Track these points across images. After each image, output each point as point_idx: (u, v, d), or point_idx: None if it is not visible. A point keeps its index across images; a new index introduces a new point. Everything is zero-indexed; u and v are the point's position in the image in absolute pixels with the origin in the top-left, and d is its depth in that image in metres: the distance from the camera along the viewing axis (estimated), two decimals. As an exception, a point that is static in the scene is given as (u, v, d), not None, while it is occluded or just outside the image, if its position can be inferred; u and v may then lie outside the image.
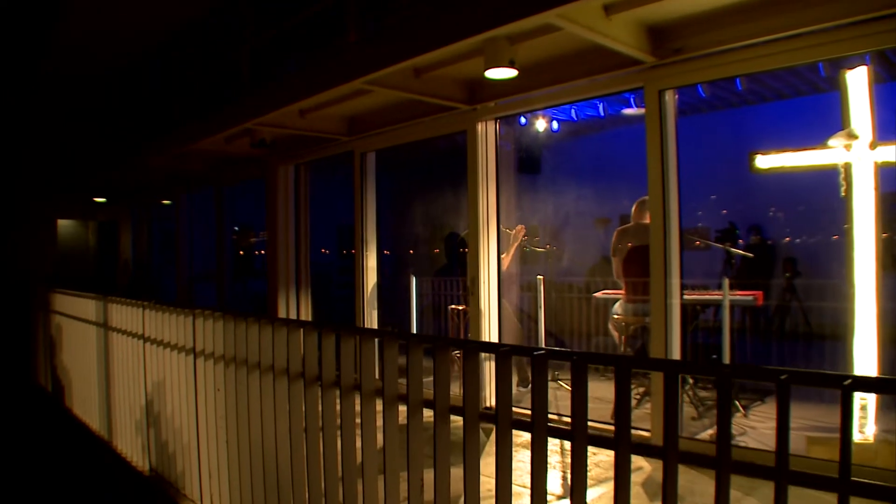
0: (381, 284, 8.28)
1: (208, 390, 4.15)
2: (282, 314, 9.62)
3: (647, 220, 5.81)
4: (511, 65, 4.99)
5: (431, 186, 13.57)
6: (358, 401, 2.90)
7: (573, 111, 9.04)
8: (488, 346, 2.46)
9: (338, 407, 2.94)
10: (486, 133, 6.54)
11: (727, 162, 10.72)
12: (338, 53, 5.88)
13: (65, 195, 14.55)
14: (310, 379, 3.10)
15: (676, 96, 5.20)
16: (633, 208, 6.67)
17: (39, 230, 14.40)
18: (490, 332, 6.55)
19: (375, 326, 8.17)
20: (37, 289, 9.44)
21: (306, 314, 9.74)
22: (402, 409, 2.70)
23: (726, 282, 5.34)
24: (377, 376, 2.82)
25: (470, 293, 6.59)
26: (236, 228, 17.40)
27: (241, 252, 17.68)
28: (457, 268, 9.17)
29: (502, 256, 7.21)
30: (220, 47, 8.55)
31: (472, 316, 6.58)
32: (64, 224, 17.11)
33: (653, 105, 5.07)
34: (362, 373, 2.79)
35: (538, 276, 6.41)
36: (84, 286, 14.93)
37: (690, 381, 6.48)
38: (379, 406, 2.79)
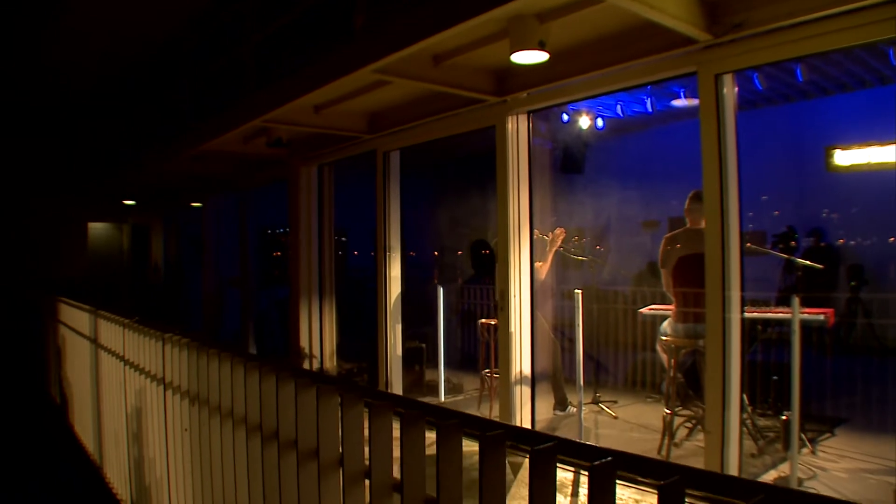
0: (405, 294, 7.63)
1: (177, 428, 3.53)
2: (304, 324, 9.05)
3: (702, 223, 5.07)
4: (541, 47, 4.28)
5: (473, 188, 12.89)
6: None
7: (618, 107, 8.32)
8: (474, 422, 1.77)
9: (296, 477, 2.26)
10: (518, 128, 5.82)
11: (782, 160, 9.87)
12: (345, 41, 5.23)
13: (85, 198, 14.23)
14: (267, 434, 2.43)
15: (736, 89, 4.43)
16: (687, 203, 5.87)
17: (57, 234, 14.09)
18: (521, 352, 5.83)
19: (399, 342, 7.53)
20: (44, 296, 9.01)
21: (331, 324, 9.14)
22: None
23: (796, 300, 4.54)
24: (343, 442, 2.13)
25: (499, 308, 5.89)
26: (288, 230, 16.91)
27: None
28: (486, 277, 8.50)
29: (538, 265, 6.49)
30: (227, 43, 8.01)
31: (502, 334, 5.87)
32: (98, 227, 16.89)
33: (708, 92, 4.30)
34: (320, 435, 2.11)
35: (576, 291, 5.68)
36: (117, 292, 14.60)
37: (749, 407, 5.69)
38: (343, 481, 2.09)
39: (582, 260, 7.54)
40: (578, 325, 5.63)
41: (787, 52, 4.06)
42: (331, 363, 9.09)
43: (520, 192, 5.83)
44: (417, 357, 8.15)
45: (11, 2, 8.63)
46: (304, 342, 9.05)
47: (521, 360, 5.82)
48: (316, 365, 9.05)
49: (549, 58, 4.54)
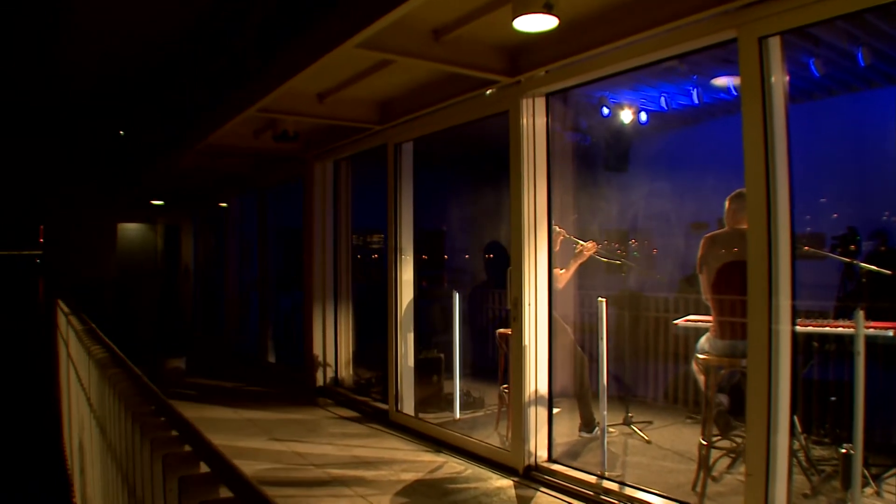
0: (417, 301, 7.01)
1: (96, 464, 2.95)
2: (317, 331, 8.49)
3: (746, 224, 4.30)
4: (548, 10, 3.62)
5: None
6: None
7: (662, 99, 7.60)
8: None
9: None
10: (534, 113, 5.13)
11: (842, 157, 8.97)
12: (329, 17, 4.62)
13: (111, 197, 13.98)
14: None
15: (787, 77, 3.68)
16: (727, 203, 5.08)
17: (85, 234, 13.83)
18: (537, 367, 5.14)
19: (411, 352, 6.90)
20: (53, 297, 8.64)
21: (346, 331, 8.56)
22: None
23: (860, 314, 3.77)
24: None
25: (512, 318, 5.20)
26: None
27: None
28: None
29: (559, 272, 5.78)
30: (227, 37, 7.52)
31: (514, 347, 5.18)
32: (133, 228, 16.68)
33: (751, 61, 3.55)
34: None
35: (599, 299, 4.95)
36: (146, 293, 14.30)
37: (802, 435, 4.90)
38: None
39: (617, 263, 6.78)
40: (602, 336, 4.91)
41: (841, 7, 3.29)
42: (346, 372, 8.52)
43: (536, 187, 5.14)
44: (436, 368, 7.50)
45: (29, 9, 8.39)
46: (317, 350, 8.49)
47: (537, 377, 5.13)
48: (330, 374, 8.49)
49: (568, 28, 3.91)
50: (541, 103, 5.13)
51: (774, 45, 3.52)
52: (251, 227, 11.94)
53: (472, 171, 12.37)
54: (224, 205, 13.50)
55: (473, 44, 4.78)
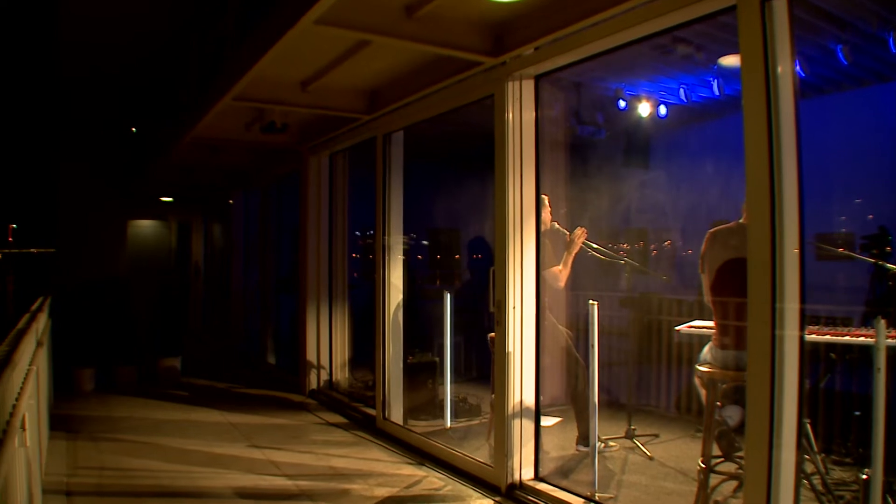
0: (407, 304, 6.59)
1: None
2: (311, 332, 8.11)
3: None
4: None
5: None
6: None
7: (682, 91, 7.21)
8: None
9: None
10: (521, 98, 4.67)
11: (875, 152, 8.43)
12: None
13: (116, 191, 13.75)
14: None
15: (798, 68, 3.20)
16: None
17: (95, 232, 13.59)
18: (522, 376, 4.68)
19: (400, 357, 6.50)
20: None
21: (342, 333, 8.17)
22: None
23: (881, 322, 3.27)
24: None
25: (496, 322, 4.75)
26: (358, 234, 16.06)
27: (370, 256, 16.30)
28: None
29: (555, 271, 5.32)
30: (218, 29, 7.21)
31: (498, 355, 4.72)
32: (147, 225, 16.49)
33: (752, 28, 3.06)
34: None
35: (590, 302, 4.48)
36: (148, 291, 14.07)
37: (819, 456, 4.40)
38: None
39: (621, 263, 6.28)
40: (594, 343, 4.44)
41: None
42: (341, 375, 8.13)
43: (523, 179, 4.68)
44: (431, 372, 7.07)
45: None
46: (311, 351, 8.11)
47: (522, 387, 4.67)
48: (324, 377, 8.10)
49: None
50: (529, 87, 4.66)
51: (780, 9, 3.03)
52: (256, 225, 11.64)
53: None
54: (231, 202, 13.24)
55: (451, 21, 4.35)
